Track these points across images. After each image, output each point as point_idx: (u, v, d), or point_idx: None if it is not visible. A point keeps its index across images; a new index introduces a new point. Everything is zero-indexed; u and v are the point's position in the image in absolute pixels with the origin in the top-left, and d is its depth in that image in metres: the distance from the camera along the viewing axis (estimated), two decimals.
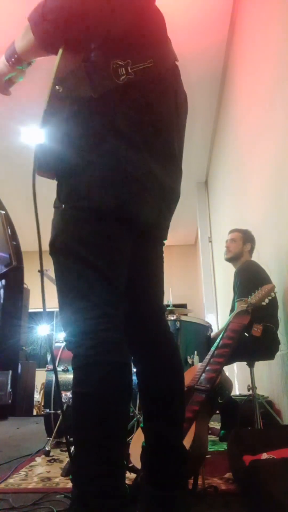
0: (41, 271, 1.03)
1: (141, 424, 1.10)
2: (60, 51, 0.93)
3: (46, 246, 1.01)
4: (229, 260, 2.74)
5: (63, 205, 0.99)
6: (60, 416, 2.24)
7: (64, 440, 2.23)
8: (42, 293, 1.02)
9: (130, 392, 0.94)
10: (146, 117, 1.00)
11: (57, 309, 0.98)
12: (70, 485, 1.44)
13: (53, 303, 1.04)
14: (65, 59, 0.92)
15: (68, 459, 1.76)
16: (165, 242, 1.25)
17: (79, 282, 0.96)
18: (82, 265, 0.96)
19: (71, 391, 2.27)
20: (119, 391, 0.90)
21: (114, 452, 0.88)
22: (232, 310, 2.56)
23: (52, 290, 1.07)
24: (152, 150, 1.01)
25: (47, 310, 1.09)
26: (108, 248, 0.98)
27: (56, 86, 0.91)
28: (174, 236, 8.00)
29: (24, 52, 1.01)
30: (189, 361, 2.48)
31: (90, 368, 0.90)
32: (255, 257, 2.71)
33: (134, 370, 1.09)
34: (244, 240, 2.67)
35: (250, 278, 2.39)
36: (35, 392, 5.55)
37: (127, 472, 1.46)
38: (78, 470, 0.89)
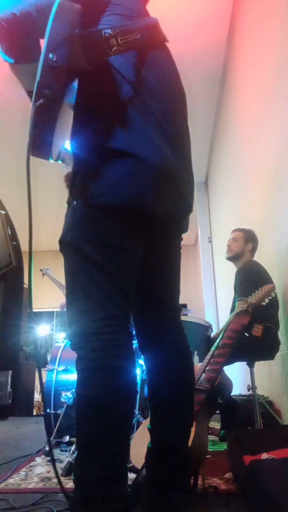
0: (29, 270, 0.96)
1: (148, 425, 1.09)
2: (52, 16, 0.87)
3: (44, 245, 1.00)
4: (230, 259, 2.73)
5: (75, 202, 0.98)
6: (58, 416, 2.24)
7: (64, 440, 2.23)
8: (30, 293, 0.96)
9: (134, 396, 0.94)
10: (151, 96, 1.00)
11: (57, 309, 0.97)
12: (70, 484, 1.44)
13: (54, 303, 1.03)
14: (57, 25, 0.88)
15: (68, 459, 1.75)
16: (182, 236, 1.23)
17: (86, 281, 0.95)
18: (89, 265, 0.95)
19: (71, 390, 2.27)
20: (123, 395, 0.90)
21: (118, 456, 0.88)
22: (232, 309, 2.56)
23: (52, 290, 1.07)
24: (165, 136, 1.00)
25: (48, 310, 1.08)
26: (118, 249, 0.96)
27: (50, 54, 0.86)
28: None
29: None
30: None
31: (94, 372, 0.89)
32: (257, 257, 2.70)
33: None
34: (246, 240, 2.66)
35: (251, 278, 2.38)
36: (35, 392, 5.55)
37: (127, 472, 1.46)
38: (81, 473, 0.88)
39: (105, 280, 0.94)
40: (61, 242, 1.00)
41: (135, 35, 0.97)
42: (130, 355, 0.93)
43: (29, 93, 0.94)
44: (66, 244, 0.98)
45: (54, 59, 0.86)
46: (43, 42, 0.90)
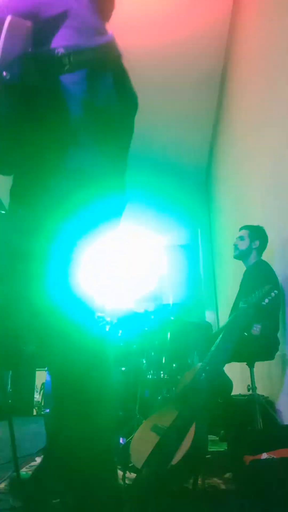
0: None
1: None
2: (2, 35, 0.89)
3: None
4: (237, 257, 2.66)
5: None
6: None
7: None
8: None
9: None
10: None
11: None
12: None
13: None
14: (9, 43, 0.89)
15: None
16: None
17: None
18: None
19: None
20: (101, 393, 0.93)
21: (106, 452, 0.91)
22: (235, 308, 2.55)
23: None
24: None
25: None
26: None
27: (3, 72, 0.88)
28: (174, 236, 7.99)
29: None
30: (189, 361, 2.48)
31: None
32: (264, 256, 2.64)
33: None
34: (251, 237, 2.58)
35: (257, 280, 2.36)
36: (35, 392, 5.55)
37: (127, 472, 1.46)
38: (72, 471, 0.90)
39: None
40: None
41: (87, 54, 1.02)
42: None
43: None
44: None
45: (8, 77, 0.88)
46: None
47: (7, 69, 0.88)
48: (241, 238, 2.63)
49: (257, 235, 2.60)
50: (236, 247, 2.65)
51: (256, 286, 2.16)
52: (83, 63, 1.00)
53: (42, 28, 0.99)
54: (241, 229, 2.69)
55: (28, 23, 0.93)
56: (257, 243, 2.57)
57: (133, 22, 3.60)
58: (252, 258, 2.58)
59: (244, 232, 2.63)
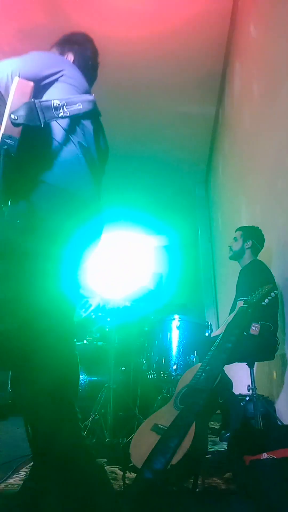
0: None
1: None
2: (12, 91, 1.22)
3: None
4: (232, 258, 2.70)
5: None
6: None
7: None
8: None
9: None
10: None
11: None
12: None
13: None
14: (17, 96, 1.21)
15: None
16: None
17: None
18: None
19: None
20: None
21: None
22: (233, 309, 2.56)
23: None
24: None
25: None
26: None
27: (11, 115, 1.17)
28: (175, 236, 7.99)
29: None
30: (189, 361, 2.48)
31: None
32: (264, 256, 2.65)
33: None
34: (244, 237, 2.62)
35: (252, 278, 2.37)
36: None
37: (127, 472, 1.46)
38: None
39: None
40: None
41: (77, 105, 1.34)
42: None
43: None
44: None
45: (16, 118, 1.17)
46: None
47: (15, 113, 1.17)
48: (234, 239, 2.68)
49: (250, 235, 2.63)
50: (230, 248, 2.70)
51: (253, 285, 2.18)
52: (73, 111, 1.33)
53: (42, 84, 1.37)
54: (236, 230, 2.73)
55: (31, 83, 1.24)
56: (249, 243, 2.60)
57: (133, 22, 3.60)
58: (247, 258, 2.60)
59: (237, 233, 2.68)
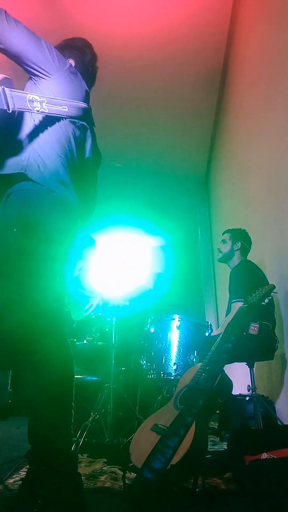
0: None
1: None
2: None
3: None
4: (221, 260, 2.76)
5: None
6: None
7: None
8: None
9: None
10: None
11: None
12: None
13: None
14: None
15: None
16: None
17: None
18: None
19: None
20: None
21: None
22: (228, 311, 2.56)
23: None
24: None
25: None
26: None
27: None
28: (174, 236, 7.99)
29: None
30: (189, 361, 2.48)
31: None
32: (257, 257, 2.69)
33: None
34: (233, 239, 2.67)
35: (243, 279, 2.39)
36: None
37: (127, 472, 1.46)
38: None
39: None
40: None
41: (62, 107, 1.37)
42: None
43: None
44: None
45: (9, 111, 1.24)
46: None
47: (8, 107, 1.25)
48: (223, 241, 2.72)
49: (239, 237, 2.68)
50: (219, 250, 2.74)
51: (246, 285, 2.19)
52: (55, 111, 1.36)
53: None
54: (223, 233, 2.78)
55: (2, 75, 1.31)
56: (239, 244, 2.65)
57: (133, 22, 3.60)
58: (236, 259, 2.64)
59: (226, 236, 2.73)
